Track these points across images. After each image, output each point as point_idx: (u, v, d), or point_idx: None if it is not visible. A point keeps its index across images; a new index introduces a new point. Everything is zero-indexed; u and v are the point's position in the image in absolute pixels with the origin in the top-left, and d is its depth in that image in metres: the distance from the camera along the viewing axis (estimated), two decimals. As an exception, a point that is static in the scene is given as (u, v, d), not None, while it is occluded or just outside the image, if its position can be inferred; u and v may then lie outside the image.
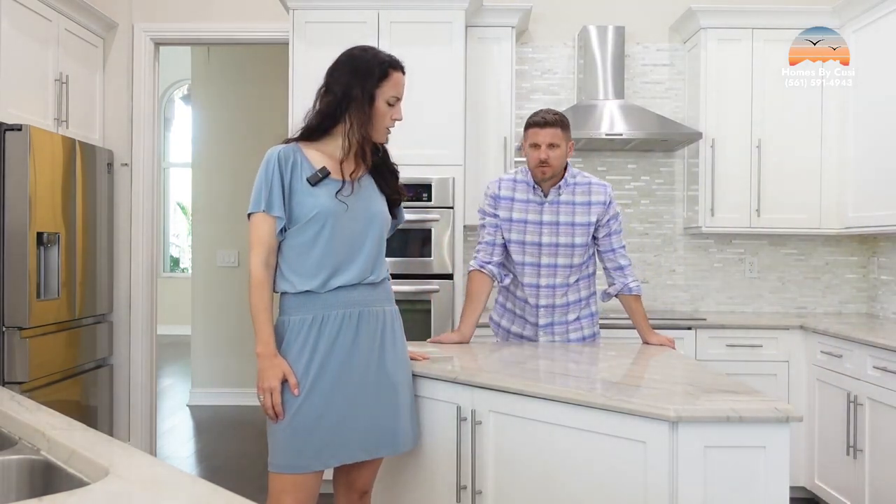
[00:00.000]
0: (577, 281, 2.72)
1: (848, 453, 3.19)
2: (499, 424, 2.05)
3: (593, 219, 2.65)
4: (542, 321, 2.73)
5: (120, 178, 4.22)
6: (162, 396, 5.98)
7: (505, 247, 2.71)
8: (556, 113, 2.62)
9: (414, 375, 2.20)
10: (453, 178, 3.65)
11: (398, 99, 2.06)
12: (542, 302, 2.71)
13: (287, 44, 3.74)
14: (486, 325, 2.96)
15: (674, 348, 2.70)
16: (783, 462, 1.70)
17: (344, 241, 2.02)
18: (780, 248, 4.25)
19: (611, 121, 3.83)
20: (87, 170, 3.85)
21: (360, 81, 2.01)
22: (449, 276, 3.65)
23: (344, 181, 2.01)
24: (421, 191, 3.60)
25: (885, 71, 3.54)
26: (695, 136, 3.85)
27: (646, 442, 1.75)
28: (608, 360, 2.47)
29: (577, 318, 2.75)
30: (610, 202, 2.66)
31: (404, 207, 2.29)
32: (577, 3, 4.24)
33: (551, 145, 2.56)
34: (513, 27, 3.92)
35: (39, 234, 3.41)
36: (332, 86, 2.04)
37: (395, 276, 2.94)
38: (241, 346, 5.66)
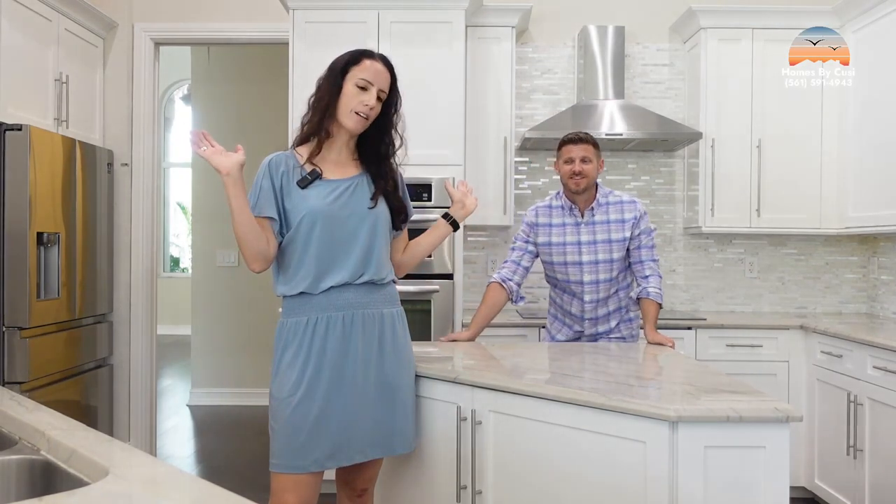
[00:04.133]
0: (616, 291, 2.87)
1: (848, 453, 3.19)
2: (499, 424, 2.05)
3: (627, 234, 2.82)
4: (588, 331, 2.91)
5: (120, 178, 4.22)
6: (162, 396, 5.98)
7: (528, 270, 2.89)
8: (588, 133, 2.84)
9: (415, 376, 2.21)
10: (453, 179, 3.64)
11: (370, 83, 2.03)
12: (588, 315, 2.88)
13: (287, 44, 3.73)
14: (492, 325, 3.07)
15: (673, 348, 2.70)
16: (783, 462, 1.70)
17: (334, 242, 2.02)
18: (780, 248, 4.25)
19: (611, 121, 3.83)
20: (87, 170, 3.85)
21: (331, 73, 2.06)
22: (449, 276, 3.65)
23: (312, 172, 2.04)
24: (421, 191, 3.60)
25: (885, 71, 3.54)
26: (695, 136, 3.85)
27: (646, 442, 1.75)
28: (608, 359, 2.47)
29: (618, 324, 2.92)
30: (640, 217, 2.83)
31: None
32: (577, 3, 4.24)
33: (584, 159, 2.76)
34: (513, 27, 3.92)
35: (39, 234, 3.41)
36: (316, 90, 2.09)
37: (395, 276, 2.95)
38: (241, 346, 5.66)
